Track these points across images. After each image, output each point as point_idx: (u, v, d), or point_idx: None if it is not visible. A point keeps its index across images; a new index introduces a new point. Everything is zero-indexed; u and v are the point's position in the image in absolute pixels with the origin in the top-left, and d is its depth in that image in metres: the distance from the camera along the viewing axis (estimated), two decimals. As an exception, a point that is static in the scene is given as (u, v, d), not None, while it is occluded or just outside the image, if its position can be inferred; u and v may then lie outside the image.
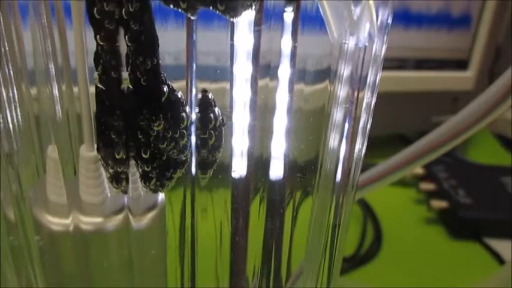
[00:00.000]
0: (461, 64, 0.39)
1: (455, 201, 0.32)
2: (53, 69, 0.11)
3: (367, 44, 0.10)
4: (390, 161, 0.20)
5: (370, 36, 0.10)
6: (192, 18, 0.10)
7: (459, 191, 0.33)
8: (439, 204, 0.32)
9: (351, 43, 0.11)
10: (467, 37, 0.39)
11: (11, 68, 0.11)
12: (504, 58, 0.42)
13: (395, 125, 0.39)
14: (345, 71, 0.11)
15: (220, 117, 0.11)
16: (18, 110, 0.11)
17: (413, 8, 0.36)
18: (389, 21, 0.11)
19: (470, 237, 0.31)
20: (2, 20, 0.10)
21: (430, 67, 0.38)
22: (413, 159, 0.19)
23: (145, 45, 0.10)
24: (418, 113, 0.40)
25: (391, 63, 0.36)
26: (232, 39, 0.11)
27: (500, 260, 0.29)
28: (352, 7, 0.10)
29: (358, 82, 0.11)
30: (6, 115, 0.11)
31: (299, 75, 0.12)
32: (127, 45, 0.09)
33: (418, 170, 0.35)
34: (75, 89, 0.11)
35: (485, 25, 0.38)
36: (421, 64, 0.38)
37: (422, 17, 0.37)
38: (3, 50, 0.11)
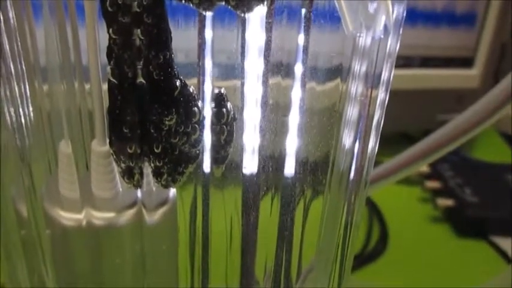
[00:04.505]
0: (466, 62, 0.39)
1: (461, 200, 0.32)
2: (66, 64, 0.11)
3: (382, 36, 0.10)
4: (396, 159, 0.20)
5: (386, 29, 0.10)
6: (205, 14, 0.10)
7: (465, 189, 0.33)
8: (445, 202, 0.32)
9: (366, 37, 0.10)
10: (473, 35, 0.39)
11: (23, 63, 0.11)
12: (509, 56, 0.42)
13: (400, 123, 0.38)
14: (360, 67, 0.11)
15: (232, 112, 0.11)
16: (30, 105, 0.11)
17: (418, 6, 0.36)
18: (404, 14, 0.11)
19: (477, 235, 0.31)
20: (15, 16, 0.10)
21: (435, 65, 0.38)
22: (419, 157, 0.19)
23: (158, 39, 0.09)
24: (423, 111, 0.39)
25: (396, 61, 0.36)
26: (243, 35, 0.11)
27: (507, 258, 0.29)
28: (368, 0, 0.10)
29: (372, 77, 0.11)
30: (18, 111, 0.11)
31: (311, 72, 0.12)
32: (139, 39, 0.09)
33: (424, 168, 0.34)
34: (87, 84, 0.11)
35: (490, 23, 0.38)
36: (426, 62, 0.38)
37: (428, 14, 0.37)
38: (15, 45, 0.11)
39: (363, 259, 0.28)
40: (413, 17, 0.36)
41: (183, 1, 0.10)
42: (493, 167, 0.37)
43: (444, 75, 0.39)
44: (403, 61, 0.37)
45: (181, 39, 0.11)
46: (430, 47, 0.38)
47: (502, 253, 0.29)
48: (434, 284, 0.26)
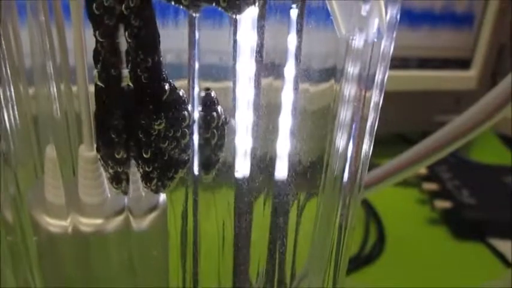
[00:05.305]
0: (464, 63, 0.39)
1: (458, 202, 0.32)
2: (51, 68, 0.11)
3: (376, 39, 0.10)
4: (394, 162, 0.20)
5: (379, 32, 0.10)
6: (195, 15, 0.10)
7: (463, 191, 0.32)
8: (443, 204, 0.32)
9: (359, 40, 0.10)
10: (470, 36, 0.38)
11: (8, 67, 0.11)
12: (507, 57, 0.42)
13: (397, 124, 0.38)
14: (353, 69, 0.11)
15: (223, 116, 0.11)
16: (16, 109, 0.11)
17: (416, 7, 0.36)
18: (398, 17, 0.10)
19: (474, 237, 0.31)
20: (-1, 18, 0.10)
21: (432, 66, 0.38)
22: (418, 160, 0.19)
23: (146, 42, 0.09)
24: (420, 112, 0.39)
25: (394, 62, 0.36)
26: (235, 36, 0.11)
27: (505, 261, 0.29)
28: (361, 3, 0.10)
29: (366, 79, 0.11)
30: (3, 115, 0.11)
31: (304, 74, 0.11)
32: (127, 41, 0.09)
33: (421, 170, 0.34)
34: (74, 88, 0.11)
35: (488, 24, 0.38)
36: (423, 63, 0.38)
37: (425, 16, 0.37)
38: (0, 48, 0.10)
39: (360, 261, 0.28)
40: (410, 18, 0.36)
41: (173, 3, 0.10)
42: (491, 168, 0.37)
43: (442, 77, 0.39)
44: (400, 62, 0.37)
45: (171, 40, 0.10)
46: (427, 48, 0.38)
47: (500, 255, 0.29)
48: (432, 286, 0.26)
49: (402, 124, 0.39)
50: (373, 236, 0.30)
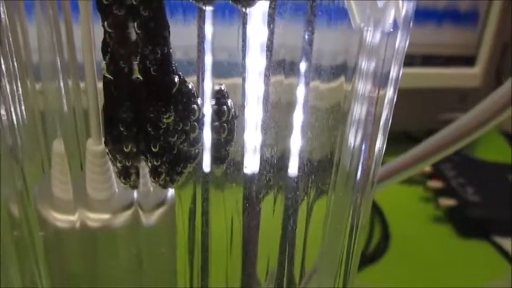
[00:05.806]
0: (468, 61, 0.39)
1: (463, 199, 0.31)
2: (59, 62, 0.10)
3: (391, 30, 0.10)
4: (399, 160, 0.20)
5: (396, 24, 0.10)
6: (205, 8, 0.10)
7: (467, 188, 0.32)
8: (447, 202, 0.32)
9: (375, 33, 0.10)
10: (475, 33, 0.38)
11: (15, 61, 0.10)
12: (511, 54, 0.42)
13: (401, 122, 0.38)
14: (367, 64, 0.11)
15: (233, 110, 0.11)
16: (23, 104, 0.11)
17: (420, 4, 0.36)
18: (413, 13, 0.10)
19: (479, 235, 0.30)
20: (6, 13, 0.10)
21: (437, 64, 0.38)
22: (423, 158, 0.19)
23: (155, 33, 0.09)
24: (424, 109, 0.39)
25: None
26: (244, 31, 0.10)
27: (509, 259, 0.29)
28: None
29: (380, 77, 0.11)
30: (10, 109, 0.11)
31: (315, 70, 0.11)
32: (136, 32, 0.09)
33: (426, 168, 0.34)
34: (82, 83, 0.10)
35: (492, 21, 0.38)
36: (428, 61, 0.38)
37: (430, 13, 0.36)
38: (7, 43, 0.10)
39: (365, 259, 0.28)
40: (415, 15, 0.36)
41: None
42: (495, 166, 0.37)
43: (446, 74, 0.39)
44: (405, 60, 0.37)
45: (181, 35, 0.10)
46: (431, 46, 0.38)
47: (504, 253, 0.29)
48: (436, 284, 0.26)
49: (407, 122, 0.39)
50: (377, 234, 0.30)
